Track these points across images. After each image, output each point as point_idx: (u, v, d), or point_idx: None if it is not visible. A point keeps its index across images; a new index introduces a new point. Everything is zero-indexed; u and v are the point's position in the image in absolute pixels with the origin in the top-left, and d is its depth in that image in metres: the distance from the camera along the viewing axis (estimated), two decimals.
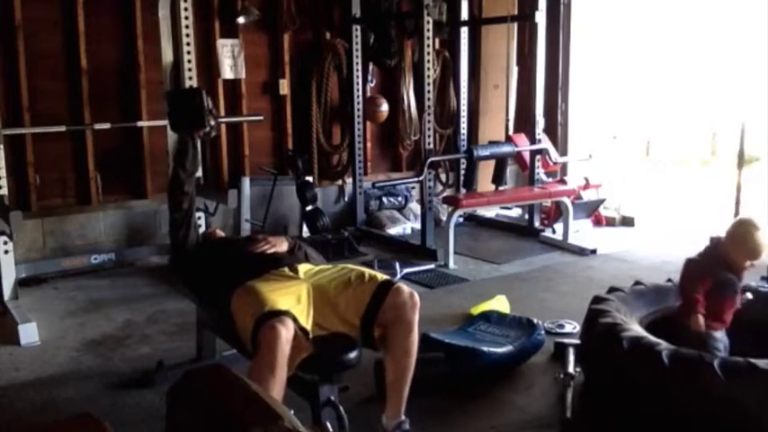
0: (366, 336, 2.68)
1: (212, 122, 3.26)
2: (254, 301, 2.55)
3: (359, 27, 6.25)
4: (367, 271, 2.81)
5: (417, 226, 6.25)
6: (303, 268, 2.85)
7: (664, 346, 2.80)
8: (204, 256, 3.14)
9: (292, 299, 2.58)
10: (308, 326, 2.54)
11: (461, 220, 6.58)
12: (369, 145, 6.74)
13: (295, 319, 2.48)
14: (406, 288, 2.72)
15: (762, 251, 3.05)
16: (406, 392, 2.76)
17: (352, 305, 2.69)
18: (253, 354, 2.45)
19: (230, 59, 5.89)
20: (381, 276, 2.77)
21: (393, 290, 2.69)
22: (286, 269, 2.81)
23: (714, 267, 3.08)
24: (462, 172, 6.34)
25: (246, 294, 2.64)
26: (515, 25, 6.53)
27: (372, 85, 6.64)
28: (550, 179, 6.38)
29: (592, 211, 6.50)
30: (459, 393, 3.24)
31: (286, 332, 2.39)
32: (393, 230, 6.39)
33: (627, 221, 6.69)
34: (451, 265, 5.36)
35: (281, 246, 3.03)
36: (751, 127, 5.74)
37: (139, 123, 5.29)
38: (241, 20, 5.89)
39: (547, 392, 3.27)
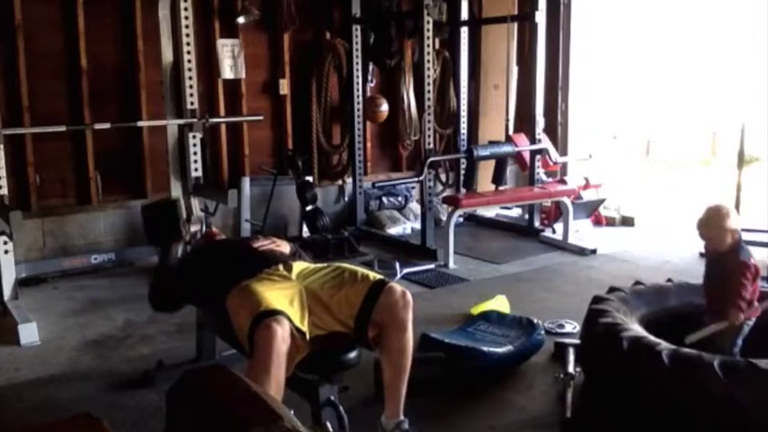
0: (360, 336, 2.68)
1: (192, 228, 3.26)
2: (250, 301, 2.55)
3: (359, 27, 6.25)
4: (360, 271, 2.80)
5: (417, 226, 6.25)
6: (297, 267, 2.84)
7: (664, 345, 2.80)
8: (193, 269, 3.13)
9: (285, 301, 2.57)
10: (305, 327, 2.54)
11: (461, 220, 6.58)
12: (369, 145, 6.74)
13: (290, 320, 2.47)
14: (398, 287, 2.72)
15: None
16: (403, 391, 2.76)
17: (345, 307, 2.68)
18: (249, 353, 2.45)
19: (230, 59, 5.89)
20: (374, 276, 2.77)
21: (386, 290, 2.68)
22: (281, 267, 2.81)
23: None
24: (462, 172, 6.35)
25: (242, 294, 2.64)
26: (515, 25, 6.53)
27: (372, 85, 6.64)
28: (550, 179, 6.37)
29: (592, 211, 6.49)
30: (459, 393, 3.24)
31: (282, 331, 2.39)
32: (393, 230, 6.39)
33: (627, 221, 6.68)
34: (451, 265, 5.36)
35: (285, 247, 3.03)
36: (751, 127, 5.74)
37: (139, 123, 5.29)
38: (241, 20, 5.88)
39: (547, 392, 3.27)
